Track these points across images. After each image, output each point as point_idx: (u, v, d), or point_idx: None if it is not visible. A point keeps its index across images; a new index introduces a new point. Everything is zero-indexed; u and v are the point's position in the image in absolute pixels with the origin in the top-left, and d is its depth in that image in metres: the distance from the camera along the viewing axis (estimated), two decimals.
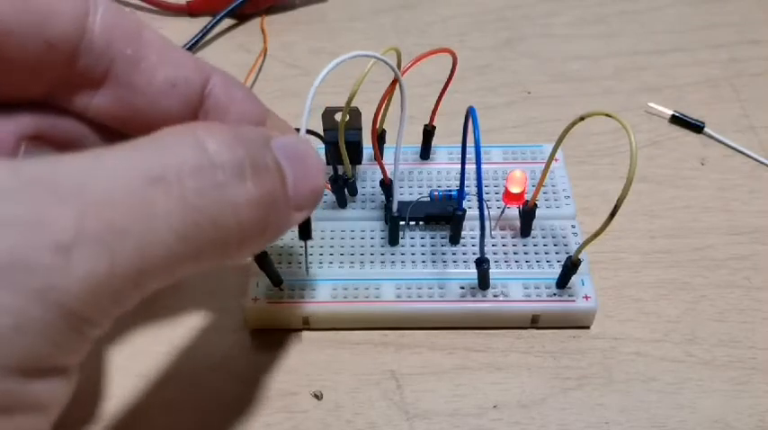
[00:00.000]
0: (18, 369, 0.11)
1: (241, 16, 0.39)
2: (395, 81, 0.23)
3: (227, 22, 0.38)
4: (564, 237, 0.26)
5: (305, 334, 0.24)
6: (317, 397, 0.23)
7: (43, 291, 0.11)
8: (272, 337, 0.24)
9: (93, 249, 0.11)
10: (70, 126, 0.16)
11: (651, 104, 0.32)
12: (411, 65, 0.23)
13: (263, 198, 0.14)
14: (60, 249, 0.11)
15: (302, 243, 0.24)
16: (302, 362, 0.24)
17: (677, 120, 0.32)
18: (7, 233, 0.11)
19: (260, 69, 0.35)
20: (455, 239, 0.25)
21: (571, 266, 0.23)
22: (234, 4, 0.37)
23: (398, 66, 0.24)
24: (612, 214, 0.20)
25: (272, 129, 0.18)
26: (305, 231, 0.22)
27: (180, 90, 0.17)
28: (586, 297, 0.24)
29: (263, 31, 0.37)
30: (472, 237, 0.26)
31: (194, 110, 0.17)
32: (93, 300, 0.11)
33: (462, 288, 0.24)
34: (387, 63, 0.19)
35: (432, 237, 0.26)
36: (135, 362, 0.23)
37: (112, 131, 0.17)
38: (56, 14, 0.14)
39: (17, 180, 0.11)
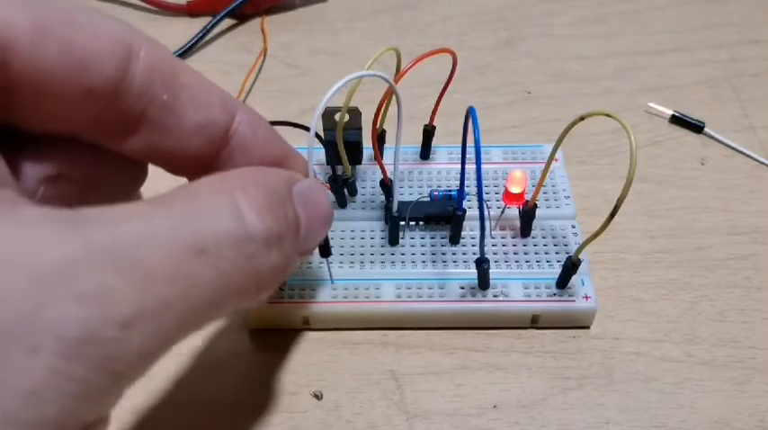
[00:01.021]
0: (73, 427, 0.12)
1: (241, 16, 0.39)
2: (395, 82, 0.23)
3: (227, 22, 0.38)
4: (564, 237, 0.26)
5: (305, 334, 0.25)
6: (317, 397, 0.23)
7: (106, 362, 0.12)
8: (272, 337, 0.24)
9: (147, 323, 0.12)
10: (91, 162, 0.16)
11: (651, 104, 0.32)
12: (411, 65, 0.23)
13: (283, 263, 0.16)
14: (122, 324, 0.12)
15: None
16: (302, 362, 0.24)
17: (677, 121, 0.32)
18: (81, 308, 0.11)
19: (260, 69, 0.35)
20: (455, 239, 0.25)
21: (571, 266, 0.23)
22: (234, 5, 0.37)
23: (398, 66, 0.24)
24: (612, 214, 0.20)
25: (292, 167, 0.19)
26: (325, 250, 0.24)
27: (207, 130, 0.17)
28: (586, 297, 0.24)
29: (263, 31, 0.37)
30: (472, 237, 0.26)
31: (218, 148, 0.17)
32: (139, 364, 0.13)
33: (462, 288, 0.24)
34: (384, 78, 0.19)
35: (432, 237, 0.26)
36: None
37: (133, 162, 0.17)
38: (99, 61, 0.14)
39: (87, 251, 0.12)
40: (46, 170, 0.16)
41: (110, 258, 0.12)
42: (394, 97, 0.24)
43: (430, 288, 0.24)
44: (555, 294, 0.24)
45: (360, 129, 0.25)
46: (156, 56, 0.15)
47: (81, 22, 0.14)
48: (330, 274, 0.24)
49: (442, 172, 0.28)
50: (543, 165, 0.24)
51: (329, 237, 0.24)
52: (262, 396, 0.23)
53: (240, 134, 0.17)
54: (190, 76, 0.16)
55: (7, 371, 0.11)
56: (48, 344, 0.11)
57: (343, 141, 0.24)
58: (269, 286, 0.16)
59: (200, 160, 0.17)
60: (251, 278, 0.15)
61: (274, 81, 0.35)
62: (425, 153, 0.29)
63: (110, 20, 0.15)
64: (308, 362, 0.24)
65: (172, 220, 0.13)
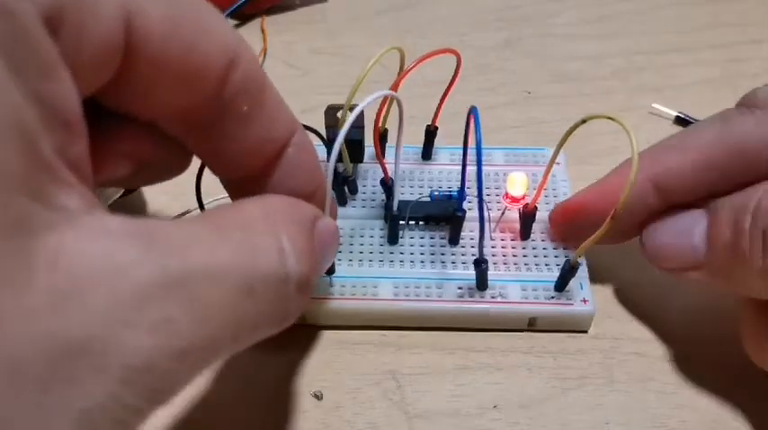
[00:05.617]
0: None
1: (241, 16, 0.39)
2: (397, 83, 0.23)
3: (228, 22, 0.38)
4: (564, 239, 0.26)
5: (305, 333, 0.24)
6: (317, 397, 0.23)
7: (155, 393, 0.12)
8: (271, 337, 0.24)
9: (197, 357, 0.13)
10: (155, 147, 0.17)
11: (655, 105, 0.32)
12: (414, 65, 0.23)
13: (305, 304, 0.16)
14: (177, 357, 0.12)
15: None
16: (302, 362, 0.24)
17: (682, 122, 0.32)
18: (149, 337, 0.12)
19: None
20: (454, 240, 0.25)
21: (570, 269, 0.23)
22: (235, 5, 0.37)
23: (401, 65, 0.24)
24: (613, 216, 0.20)
25: (319, 196, 0.19)
26: (330, 269, 0.24)
27: (268, 147, 0.17)
28: (584, 300, 0.24)
29: (263, 31, 0.37)
30: (472, 239, 0.26)
31: (269, 163, 0.18)
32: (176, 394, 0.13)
33: (460, 288, 0.24)
34: (393, 96, 0.20)
35: (431, 237, 0.26)
36: None
37: (185, 151, 0.18)
38: (210, 67, 0.15)
39: (163, 281, 0.12)
40: (125, 156, 0.16)
41: (179, 291, 0.12)
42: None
43: (428, 287, 0.24)
44: (553, 297, 0.24)
45: (362, 127, 0.25)
46: (251, 69, 0.16)
47: (205, 26, 0.14)
48: (330, 281, 0.24)
49: (444, 172, 0.28)
50: (545, 169, 0.24)
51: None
52: (261, 396, 0.23)
53: (289, 155, 0.18)
54: (272, 92, 0.17)
55: (71, 386, 0.11)
56: (114, 368, 0.11)
57: (345, 140, 0.24)
58: (290, 322, 0.16)
59: (247, 169, 0.17)
60: (280, 317, 0.15)
61: (274, 81, 0.34)
62: (427, 153, 0.29)
63: (224, 24, 0.15)
64: (307, 363, 0.24)
65: (231, 254, 0.14)
